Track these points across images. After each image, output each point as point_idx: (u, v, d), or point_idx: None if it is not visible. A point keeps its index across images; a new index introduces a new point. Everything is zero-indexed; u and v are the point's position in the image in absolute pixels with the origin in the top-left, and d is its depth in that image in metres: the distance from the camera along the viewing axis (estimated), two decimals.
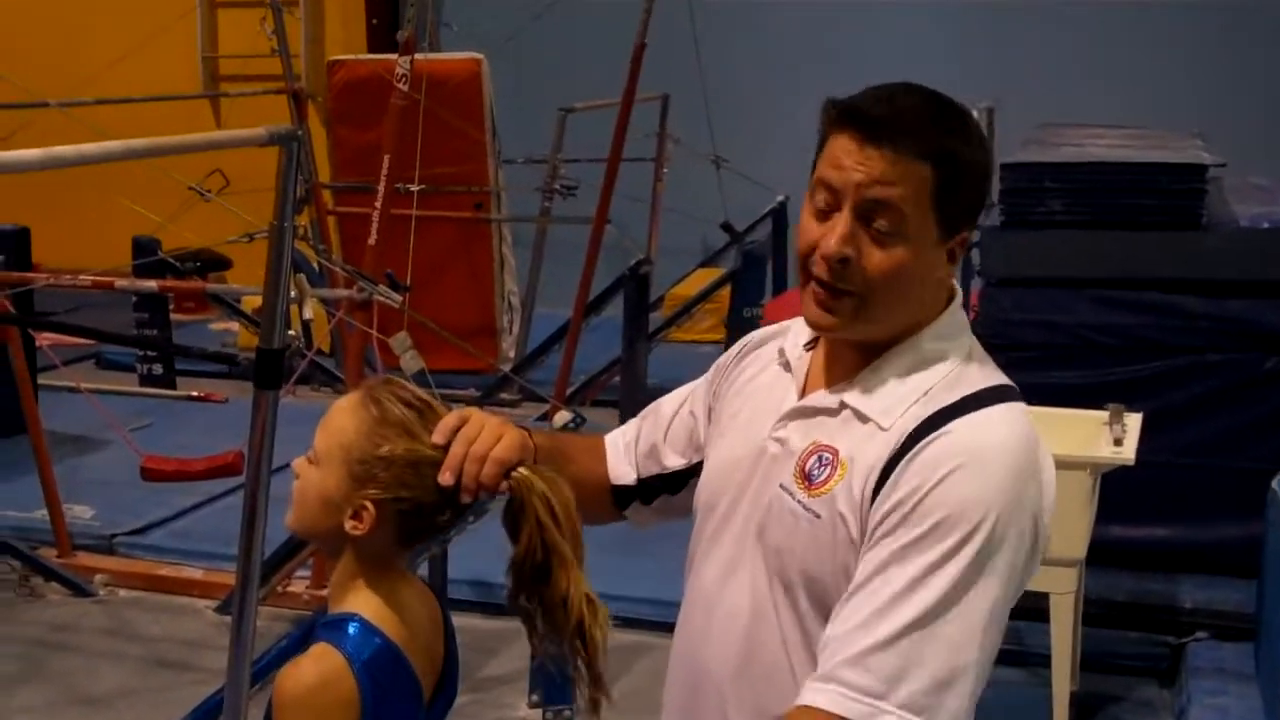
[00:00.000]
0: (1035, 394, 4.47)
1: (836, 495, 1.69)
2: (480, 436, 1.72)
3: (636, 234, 8.29)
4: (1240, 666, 4.34)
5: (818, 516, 1.70)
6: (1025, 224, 4.97)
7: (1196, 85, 8.58)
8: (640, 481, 2.02)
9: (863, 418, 1.72)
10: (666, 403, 2.05)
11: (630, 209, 7.93)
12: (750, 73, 9.09)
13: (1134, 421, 4.00)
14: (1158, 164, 4.94)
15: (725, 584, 1.81)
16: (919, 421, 1.67)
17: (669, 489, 2.01)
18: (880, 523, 1.64)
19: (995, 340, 4.91)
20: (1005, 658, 4.44)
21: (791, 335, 1.88)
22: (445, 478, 1.70)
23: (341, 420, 1.79)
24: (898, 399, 1.70)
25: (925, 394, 1.70)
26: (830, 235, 1.67)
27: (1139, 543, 4.82)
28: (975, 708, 1.66)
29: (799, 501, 1.72)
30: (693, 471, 1.96)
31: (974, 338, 1.79)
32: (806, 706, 1.61)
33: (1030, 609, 4.23)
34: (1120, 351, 4.84)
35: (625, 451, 2.04)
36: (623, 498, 2.03)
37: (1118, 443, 3.89)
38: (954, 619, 1.59)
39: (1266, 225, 4.85)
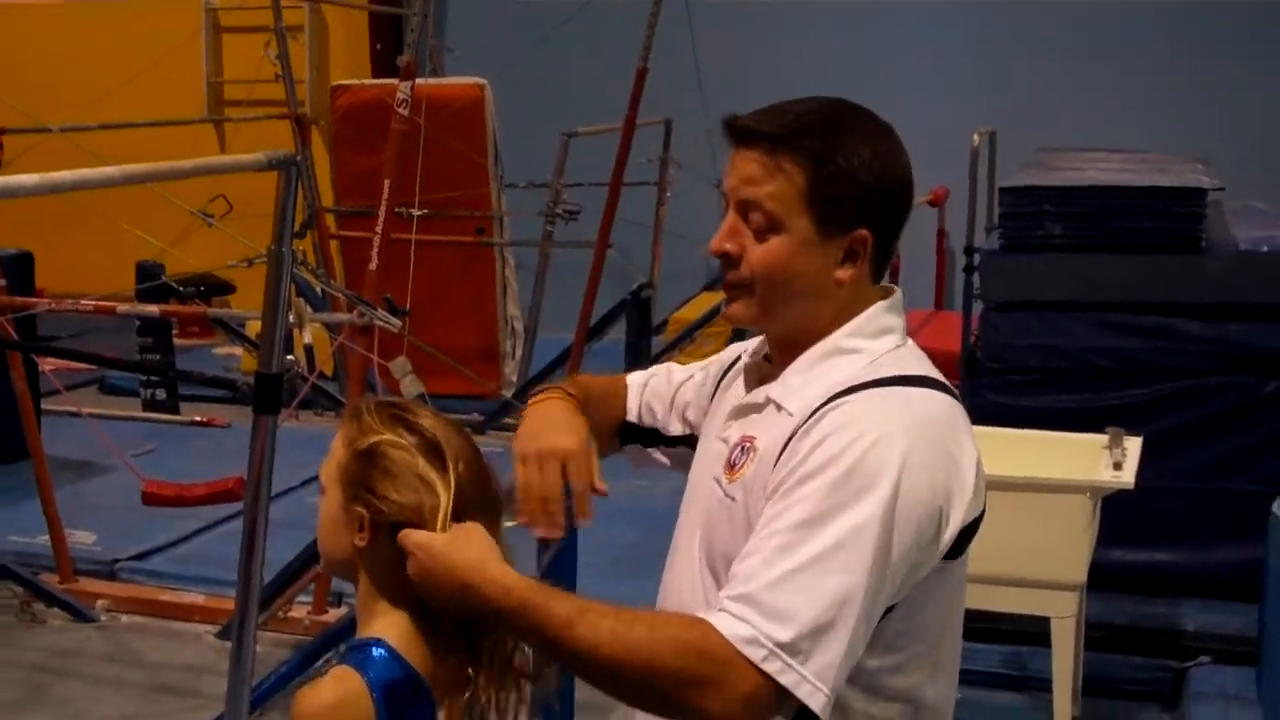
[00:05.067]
0: (1035, 418, 4.55)
1: (749, 476, 1.79)
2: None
3: (639, 258, 8.31)
4: (1243, 691, 4.33)
5: (734, 500, 1.80)
6: (1025, 247, 4.99)
7: (1198, 109, 8.59)
8: (640, 426, 2.13)
9: (778, 407, 1.81)
10: (678, 370, 2.14)
11: (633, 233, 7.94)
12: (752, 97, 9.03)
13: (1134, 445, 4.00)
14: (1157, 188, 4.94)
15: (671, 572, 1.93)
16: (821, 400, 1.74)
17: (665, 443, 2.11)
18: (782, 481, 1.70)
19: (994, 364, 4.94)
20: (1007, 682, 4.48)
21: (753, 345, 1.99)
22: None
23: (334, 444, 1.84)
24: (806, 387, 1.78)
25: (834, 382, 1.76)
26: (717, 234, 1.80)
27: (1140, 567, 4.82)
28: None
29: (723, 489, 1.83)
30: (686, 441, 2.06)
31: (907, 341, 1.85)
32: (707, 620, 1.65)
33: (1031, 633, 4.24)
34: (1120, 375, 4.85)
35: (637, 391, 2.15)
36: (628, 434, 2.14)
37: (1117, 466, 3.88)
38: (839, 570, 1.63)
39: (1266, 249, 4.86)
